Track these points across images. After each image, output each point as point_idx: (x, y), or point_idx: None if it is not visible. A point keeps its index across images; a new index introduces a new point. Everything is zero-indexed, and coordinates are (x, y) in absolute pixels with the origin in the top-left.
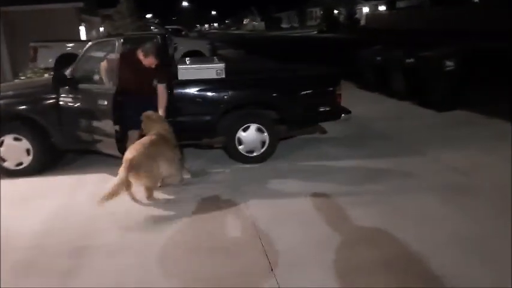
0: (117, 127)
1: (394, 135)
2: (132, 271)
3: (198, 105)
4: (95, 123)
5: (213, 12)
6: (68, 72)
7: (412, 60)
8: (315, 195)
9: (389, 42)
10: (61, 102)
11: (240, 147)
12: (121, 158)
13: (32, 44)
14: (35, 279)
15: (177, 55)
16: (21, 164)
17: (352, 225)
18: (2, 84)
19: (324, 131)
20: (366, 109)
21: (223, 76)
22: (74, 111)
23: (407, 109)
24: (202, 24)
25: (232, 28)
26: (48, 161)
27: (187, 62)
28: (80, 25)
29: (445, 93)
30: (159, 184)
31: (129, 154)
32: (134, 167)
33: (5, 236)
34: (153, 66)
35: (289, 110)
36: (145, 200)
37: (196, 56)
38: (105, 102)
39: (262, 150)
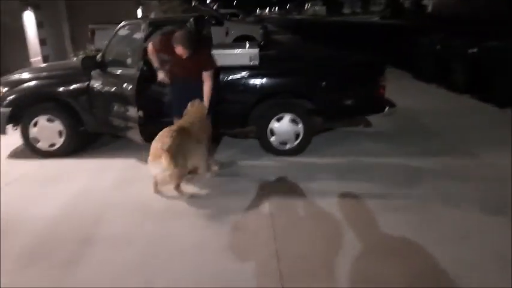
0: (140, 113)
1: (445, 133)
2: (133, 265)
3: (230, 93)
4: (121, 108)
5: None
6: (98, 55)
7: (475, 50)
8: (344, 195)
9: (452, 30)
10: (92, 86)
11: (272, 139)
12: (144, 145)
13: (90, 26)
14: (36, 267)
15: (229, 39)
16: (53, 145)
17: (378, 234)
18: (39, 66)
19: (368, 124)
20: (418, 101)
21: (257, 63)
22: (103, 95)
23: (466, 104)
24: (263, 9)
25: (293, 13)
26: (80, 143)
27: (220, 47)
28: (138, 8)
29: (510, 88)
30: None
31: (156, 143)
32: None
33: (18, 219)
34: (184, 56)
35: (324, 100)
36: (170, 192)
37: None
38: (130, 87)
39: (296, 142)
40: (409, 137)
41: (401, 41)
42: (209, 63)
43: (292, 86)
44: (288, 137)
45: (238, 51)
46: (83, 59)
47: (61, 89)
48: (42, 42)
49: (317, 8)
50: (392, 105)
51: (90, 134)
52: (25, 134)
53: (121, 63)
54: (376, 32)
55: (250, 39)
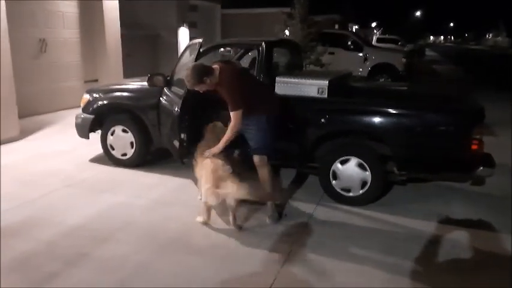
0: (183, 136)
1: None
2: None
3: (291, 125)
4: (172, 128)
5: (451, 24)
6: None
7: None
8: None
9: None
10: (160, 103)
11: (334, 182)
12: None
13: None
14: (14, 277)
15: (365, 67)
16: (125, 154)
17: None
18: (123, 80)
19: (479, 182)
20: None
21: (325, 96)
22: (165, 113)
23: None
24: (436, 36)
25: (471, 43)
26: (148, 156)
27: (287, 76)
28: (286, 29)
29: None
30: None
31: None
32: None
33: (39, 223)
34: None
35: (400, 147)
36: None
37: (387, 69)
38: (176, 108)
39: (361, 191)
40: None
41: None
42: (228, 102)
43: (361, 125)
44: (351, 183)
45: (305, 81)
46: (151, 76)
47: (135, 102)
48: None
49: (499, 39)
50: (490, 164)
51: (158, 149)
52: (103, 141)
53: (182, 83)
54: None
55: (389, 68)
